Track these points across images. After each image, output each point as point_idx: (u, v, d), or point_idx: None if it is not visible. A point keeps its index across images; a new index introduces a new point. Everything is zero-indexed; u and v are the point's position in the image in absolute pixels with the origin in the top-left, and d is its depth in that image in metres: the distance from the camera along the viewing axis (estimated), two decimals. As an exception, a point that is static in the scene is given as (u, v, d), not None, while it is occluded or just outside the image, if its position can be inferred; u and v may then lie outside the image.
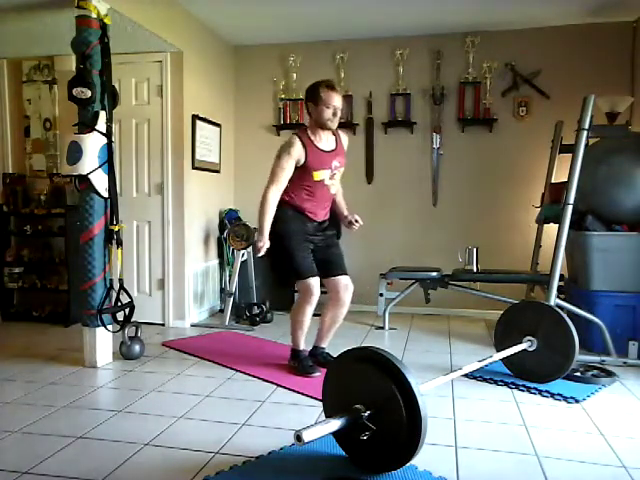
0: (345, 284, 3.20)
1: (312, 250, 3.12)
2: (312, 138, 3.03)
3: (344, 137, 3.23)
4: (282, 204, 3.04)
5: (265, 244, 2.97)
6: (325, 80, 3.01)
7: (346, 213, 3.31)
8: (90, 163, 3.16)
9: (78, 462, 2.09)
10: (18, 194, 4.64)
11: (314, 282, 3.07)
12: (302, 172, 3.02)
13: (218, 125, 4.91)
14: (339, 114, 3.02)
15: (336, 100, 2.97)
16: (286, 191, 3.05)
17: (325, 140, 3.08)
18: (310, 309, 3.14)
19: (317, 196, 3.09)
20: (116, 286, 3.39)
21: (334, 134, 3.13)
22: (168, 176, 4.35)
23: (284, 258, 3.08)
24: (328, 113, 2.97)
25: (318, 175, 3.04)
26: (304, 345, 3.25)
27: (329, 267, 3.19)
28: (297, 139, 2.99)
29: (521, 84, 4.70)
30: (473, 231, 4.77)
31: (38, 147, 4.75)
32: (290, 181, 3.02)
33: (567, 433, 2.39)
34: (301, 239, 3.07)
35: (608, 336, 3.39)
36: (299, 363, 3.19)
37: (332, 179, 3.11)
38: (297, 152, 2.96)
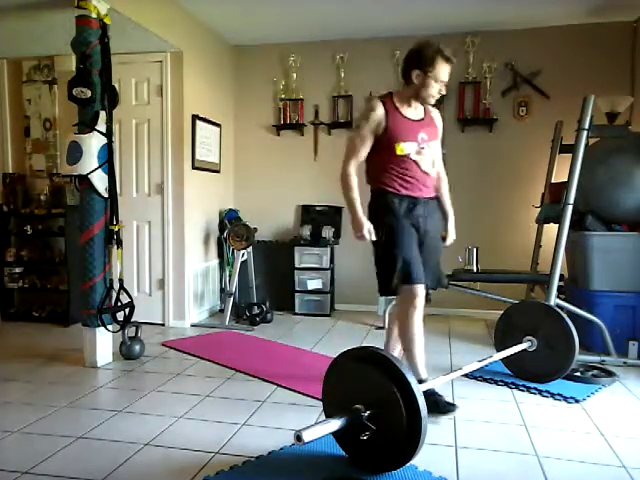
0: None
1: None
2: (397, 105, 2.54)
3: (435, 110, 2.72)
4: (375, 193, 2.60)
5: (366, 224, 2.47)
6: (440, 48, 2.45)
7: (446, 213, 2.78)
8: (90, 163, 3.16)
9: (78, 462, 2.09)
10: (18, 194, 4.64)
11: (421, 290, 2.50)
12: (382, 145, 2.51)
13: (218, 125, 4.91)
14: (444, 91, 2.56)
15: (447, 75, 2.50)
16: (369, 177, 2.62)
17: (413, 109, 2.58)
18: (420, 316, 2.53)
19: (408, 173, 2.53)
20: (116, 286, 3.39)
21: (422, 104, 2.62)
22: (168, 176, 4.35)
23: (386, 257, 2.52)
24: (435, 88, 2.50)
25: (402, 148, 2.50)
26: (426, 371, 2.56)
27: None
28: (378, 102, 2.51)
29: (521, 84, 4.69)
30: (473, 231, 4.76)
31: (38, 147, 4.75)
32: (369, 162, 2.58)
33: (567, 433, 2.39)
34: (407, 231, 2.51)
35: (608, 336, 3.39)
36: (428, 399, 2.12)
37: (420, 154, 2.54)
38: (377, 117, 2.48)
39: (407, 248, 2.48)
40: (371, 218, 2.56)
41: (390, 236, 2.51)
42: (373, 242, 2.55)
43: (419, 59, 2.47)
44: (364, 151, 2.53)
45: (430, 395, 2.42)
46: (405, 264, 2.46)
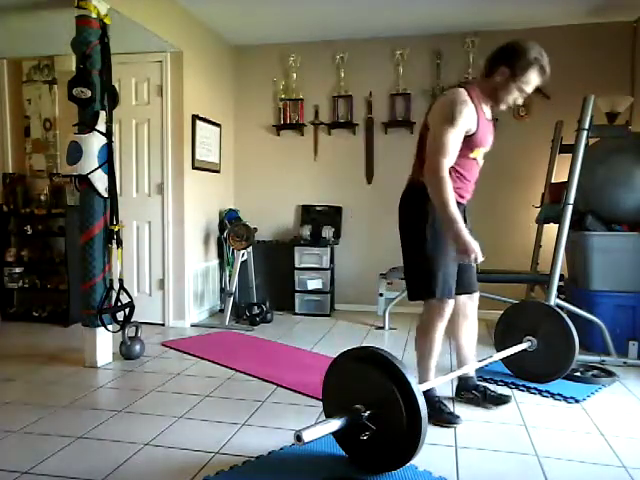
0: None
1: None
2: (477, 102, 2.30)
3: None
4: (416, 186, 2.36)
5: (476, 244, 2.18)
6: (540, 57, 2.25)
7: None
8: (90, 163, 3.16)
9: (78, 462, 2.09)
10: (18, 194, 4.65)
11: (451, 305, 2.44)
12: (461, 146, 2.27)
13: (218, 125, 4.91)
14: (520, 102, 2.37)
15: (534, 88, 2.31)
16: (418, 168, 2.37)
17: (488, 107, 2.38)
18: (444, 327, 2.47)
19: (467, 175, 2.39)
20: (116, 286, 3.39)
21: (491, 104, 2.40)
22: (168, 176, 4.35)
23: (429, 265, 2.35)
24: (514, 96, 2.29)
25: (478, 152, 2.37)
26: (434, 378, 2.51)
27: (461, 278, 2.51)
28: (469, 100, 2.23)
29: (521, 84, 4.69)
30: (473, 231, 4.76)
31: (38, 147, 4.75)
32: (423, 152, 2.32)
33: (567, 433, 2.39)
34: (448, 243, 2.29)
35: (608, 336, 3.39)
36: (432, 408, 2.29)
37: (482, 158, 2.46)
38: (470, 116, 2.22)
39: (450, 260, 2.36)
40: (413, 216, 2.40)
41: (437, 244, 2.34)
42: (409, 242, 2.43)
43: (513, 58, 2.23)
44: (456, 153, 2.22)
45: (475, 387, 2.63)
46: (446, 276, 2.36)
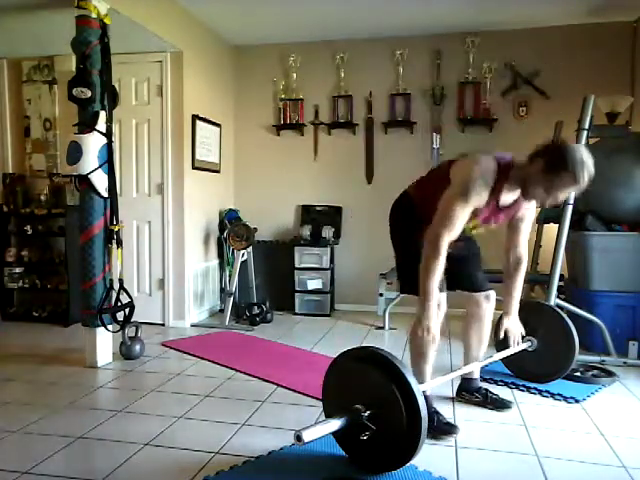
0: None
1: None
2: (504, 191, 2.20)
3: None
4: (409, 199, 2.46)
5: (430, 327, 2.16)
6: (578, 170, 1.98)
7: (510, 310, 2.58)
8: (90, 163, 3.16)
9: (78, 462, 2.09)
10: (18, 194, 4.64)
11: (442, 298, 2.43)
12: None
13: (218, 125, 4.91)
14: (546, 205, 2.22)
15: (564, 196, 2.17)
16: (419, 194, 2.43)
17: (512, 193, 2.25)
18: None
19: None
20: (116, 286, 3.39)
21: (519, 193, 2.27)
22: (168, 176, 4.35)
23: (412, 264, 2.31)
24: (541, 196, 2.13)
25: (475, 222, 2.35)
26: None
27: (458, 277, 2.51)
28: (485, 184, 2.14)
29: (521, 84, 4.69)
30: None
31: (38, 147, 4.75)
32: (429, 192, 2.31)
33: (567, 433, 2.39)
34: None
35: (608, 336, 3.39)
36: (429, 419, 2.03)
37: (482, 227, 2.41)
38: (481, 199, 2.16)
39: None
40: (399, 220, 2.50)
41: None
42: (400, 245, 2.50)
43: (552, 157, 2.04)
44: (461, 227, 2.17)
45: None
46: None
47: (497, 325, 2.67)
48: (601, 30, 4.50)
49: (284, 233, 5.21)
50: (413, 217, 2.43)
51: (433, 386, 2.44)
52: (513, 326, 2.63)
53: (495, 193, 2.18)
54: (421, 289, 2.16)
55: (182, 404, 2.70)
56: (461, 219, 2.16)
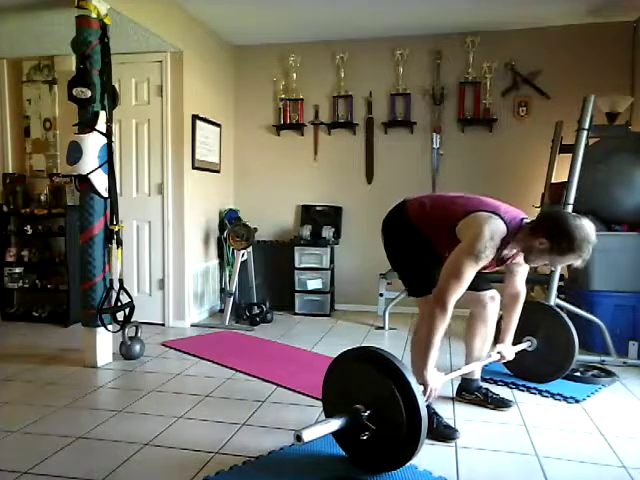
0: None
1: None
2: (506, 248, 2.27)
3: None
4: (407, 219, 2.49)
5: (430, 381, 2.14)
6: (583, 250, 2.06)
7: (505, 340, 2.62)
8: (90, 163, 3.16)
9: (78, 462, 2.09)
10: (18, 194, 4.64)
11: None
12: (453, 244, 2.26)
13: (218, 125, 4.91)
14: (547, 270, 2.37)
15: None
16: (419, 213, 2.47)
17: (510, 250, 2.33)
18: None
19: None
20: (116, 286, 3.39)
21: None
22: (168, 176, 4.35)
23: (418, 271, 2.46)
24: (544, 265, 2.35)
25: None
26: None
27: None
28: (494, 246, 2.18)
29: (521, 84, 4.69)
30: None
31: (38, 147, 4.75)
32: (435, 231, 2.39)
33: (567, 433, 2.39)
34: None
35: (608, 336, 3.39)
36: (429, 422, 2.05)
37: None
38: (485, 262, 2.20)
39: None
40: (399, 233, 2.53)
41: (420, 249, 2.47)
42: (400, 254, 2.54)
43: (558, 238, 2.10)
44: (467, 284, 2.20)
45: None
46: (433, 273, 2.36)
47: (496, 326, 2.68)
48: (601, 30, 4.50)
49: (284, 233, 5.21)
50: (408, 223, 2.48)
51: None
52: (506, 352, 2.63)
53: (499, 251, 2.23)
54: (425, 345, 2.18)
55: (182, 404, 2.70)
56: (469, 279, 2.19)
